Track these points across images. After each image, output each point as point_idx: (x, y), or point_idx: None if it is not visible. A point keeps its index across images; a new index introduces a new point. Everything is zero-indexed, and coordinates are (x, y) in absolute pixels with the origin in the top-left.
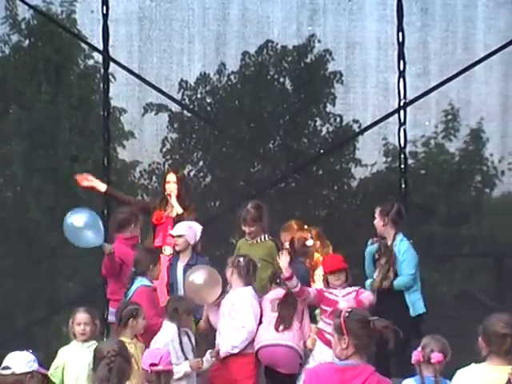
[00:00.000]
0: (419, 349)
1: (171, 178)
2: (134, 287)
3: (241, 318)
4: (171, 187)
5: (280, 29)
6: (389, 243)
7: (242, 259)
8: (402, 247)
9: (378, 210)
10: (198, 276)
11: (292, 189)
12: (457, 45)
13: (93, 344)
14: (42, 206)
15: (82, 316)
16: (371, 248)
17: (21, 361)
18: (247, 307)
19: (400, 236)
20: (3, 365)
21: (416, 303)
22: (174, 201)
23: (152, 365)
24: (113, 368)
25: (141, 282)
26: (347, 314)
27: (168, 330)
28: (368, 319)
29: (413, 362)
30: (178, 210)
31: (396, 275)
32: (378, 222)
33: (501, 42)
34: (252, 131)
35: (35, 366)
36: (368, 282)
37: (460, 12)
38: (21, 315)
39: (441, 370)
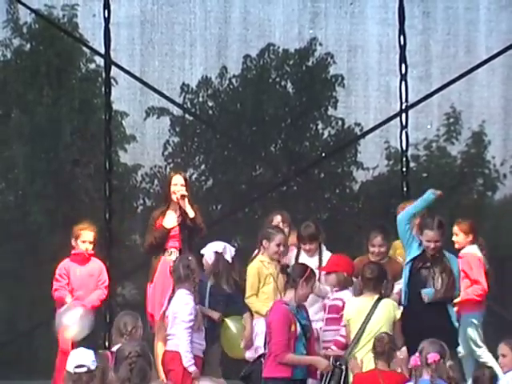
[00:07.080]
0: (417, 354)
1: (178, 179)
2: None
3: None
4: (181, 189)
5: (281, 32)
6: (432, 253)
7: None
8: (453, 260)
9: (438, 221)
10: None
11: (294, 192)
12: (458, 48)
13: None
14: (43, 209)
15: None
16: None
17: (91, 358)
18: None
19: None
20: (75, 363)
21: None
22: (187, 204)
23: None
24: (134, 369)
25: None
26: None
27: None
28: None
29: (410, 366)
30: (190, 213)
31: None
32: (439, 234)
33: (503, 44)
34: (254, 134)
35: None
36: (430, 292)
37: (462, 15)
38: (23, 318)
39: (437, 369)
